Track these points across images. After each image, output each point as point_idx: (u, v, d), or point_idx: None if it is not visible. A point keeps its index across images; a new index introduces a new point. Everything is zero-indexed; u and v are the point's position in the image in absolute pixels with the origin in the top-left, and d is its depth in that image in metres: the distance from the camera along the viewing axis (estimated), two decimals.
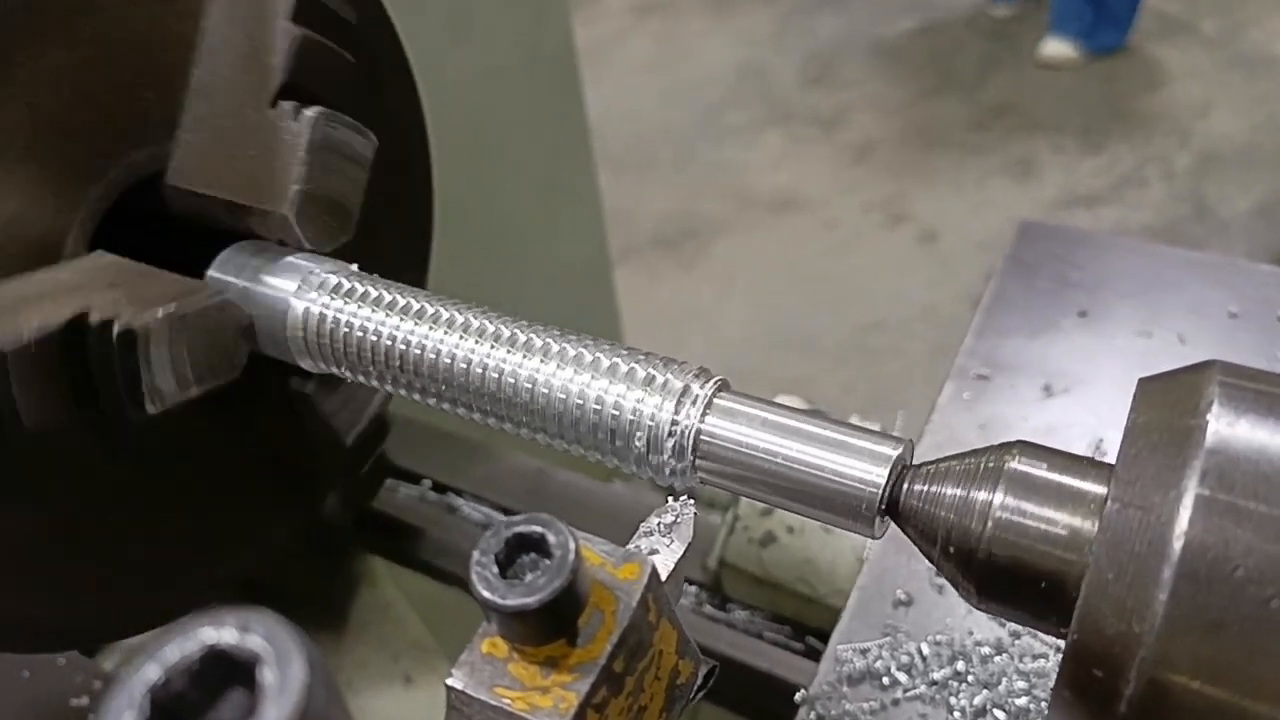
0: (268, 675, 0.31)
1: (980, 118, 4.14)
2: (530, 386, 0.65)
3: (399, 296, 0.71)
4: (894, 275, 3.58)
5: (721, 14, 4.95)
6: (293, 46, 0.75)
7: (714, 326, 3.44)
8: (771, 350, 3.35)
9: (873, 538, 0.58)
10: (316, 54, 0.77)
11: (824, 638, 1.16)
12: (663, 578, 0.56)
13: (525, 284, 2.15)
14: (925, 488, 0.56)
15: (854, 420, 1.26)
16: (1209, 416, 0.46)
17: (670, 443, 0.62)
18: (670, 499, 0.63)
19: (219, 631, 0.32)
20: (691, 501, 0.63)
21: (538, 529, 0.49)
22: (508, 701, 0.50)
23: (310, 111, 0.75)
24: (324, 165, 0.76)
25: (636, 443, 0.63)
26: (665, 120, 4.37)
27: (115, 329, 0.67)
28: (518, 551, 0.50)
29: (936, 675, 0.86)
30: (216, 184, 0.77)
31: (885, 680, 0.87)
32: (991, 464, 0.54)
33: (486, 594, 0.48)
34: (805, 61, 4.57)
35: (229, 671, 0.32)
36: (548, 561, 0.49)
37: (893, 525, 0.59)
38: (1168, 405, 0.48)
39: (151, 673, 0.32)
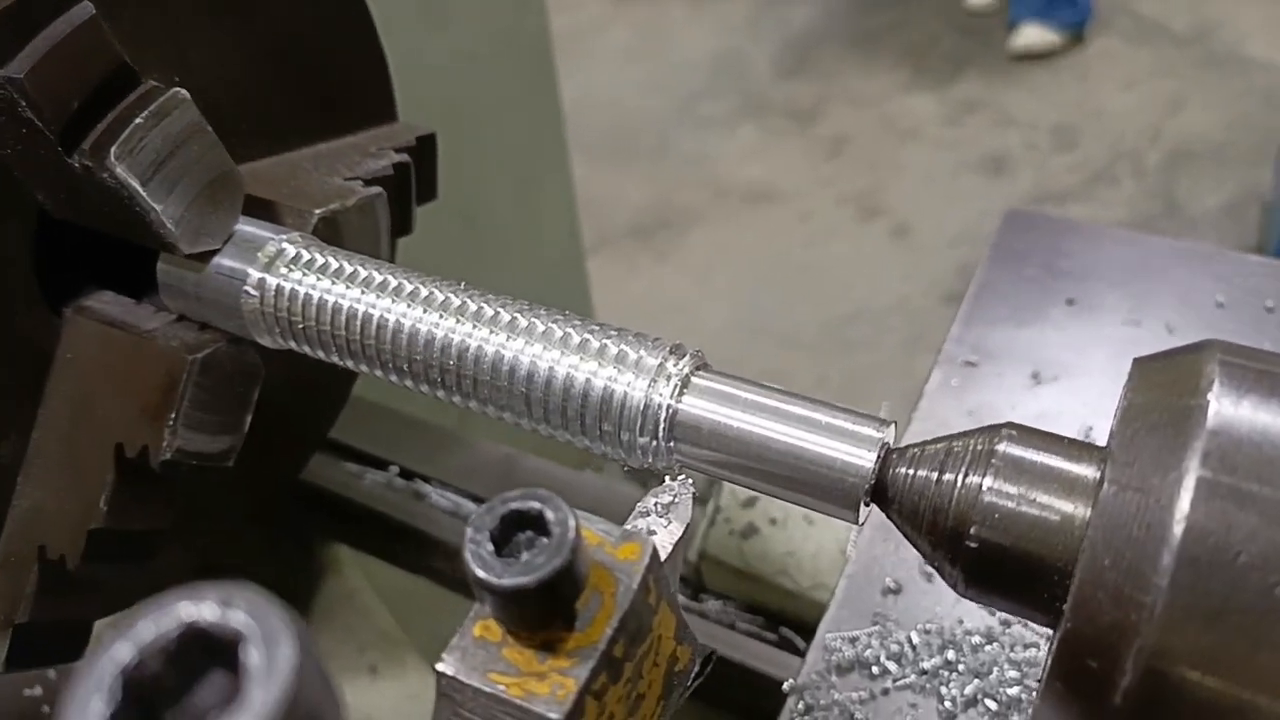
0: (253, 656, 0.28)
1: (953, 113, 4.14)
2: (498, 362, 0.62)
3: (361, 268, 0.68)
4: (868, 268, 3.58)
5: (699, 1, 4.92)
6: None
7: (689, 318, 3.42)
8: (746, 342, 3.34)
9: (855, 524, 0.56)
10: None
11: (801, 630, 1.15)
12: (661, 559, 0.54)
13: (497, 274, 2.12)
14: (911, 471, 0.53)
15: None
16: (1210, 396, 0.44)
17: (645, 423, 0.59)
18: (668, 478, 0.61)
19: (198, 607, 0.29)
20: (690, 481, 0.61)
21: (535, 505, 0.47)
22: (502, 688, 0.48)
23: None
24: None
25: (609, 422, 0.60)
26: (641, 110, 4.34)
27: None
28: (514, 529, 0.47)
29: (927, 664, 0.86)
30: None
31: (875, 669, 0.86)
32: (981, 446, 0.52)
33: (481, 573, 0.45)
34: (781, 52, 4.55)
35: (209, 651, 0.29)
36: (545, 540, 0.46)
37: (877, 511, 0.57)
38: (1166, 385, 0.46)
39: (123, 652, 0.29)
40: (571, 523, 0.46)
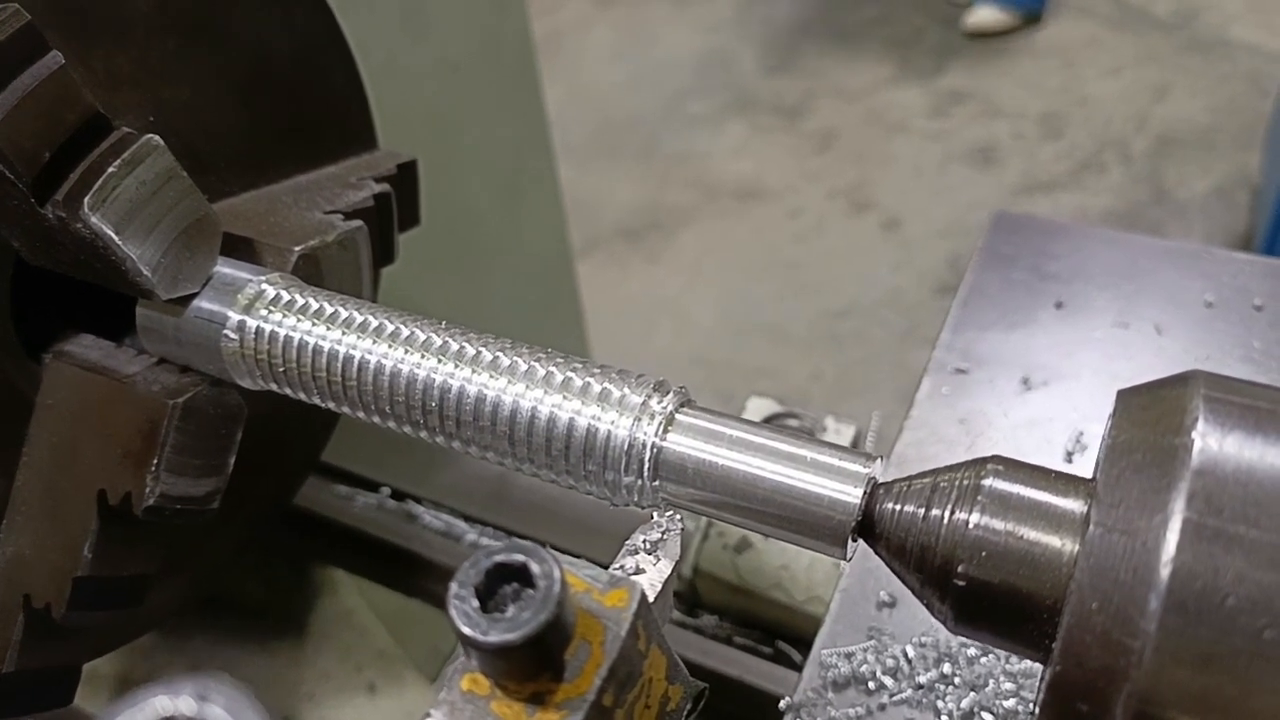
0: None
1: (940, 104, 4.14)
2: (480, 403, 0.62)
3: (341, 309, 0.67)
4: (858, 262, 3.58)
5: (683, 1, 4.90)
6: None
7: (681, 317, 3.42)
8: (739, 339, 3.33)
9: (844, 559, 0.56)
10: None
11: (797, 643, 1.15)
12: (650, 598, 0.54)
13: (486, 279, 2.11)
14: (898, 507, 0.53)
15: (829, 423, 1.25)
16: (1194, 435, 0.43)
17: (629, 462, 0.59)
18: (655, 515, 0.61)
19: (175, 701, 0.29)
20: (679, 516, 0.60)
21: (520, 558, 0.47)
22: None
23: None
24: None
25: (594, 462, 0.60)
26: (628, 110, 4.33)
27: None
28: (498, 582, 0.47)
29: (923, 678, 0.86)
30: None
31: (871, 685, 0.86)
32: (967, 481, 0.51)
33: (467, 630, 0.45)
34: (766, 49, 4.54)
35: None
36: (531, 592, 0.46)
37: None
38: (1150, 422, 0.46)
39: None
40: (557, 574, 0.46)
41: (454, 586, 0.46)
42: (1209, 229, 3.43)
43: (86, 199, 0.64)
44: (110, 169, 0.64)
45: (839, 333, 3.34)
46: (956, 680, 0.86)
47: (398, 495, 1.35)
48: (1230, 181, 3.58)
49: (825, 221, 3.74)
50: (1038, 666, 0.85)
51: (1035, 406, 1.04)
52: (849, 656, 0.88)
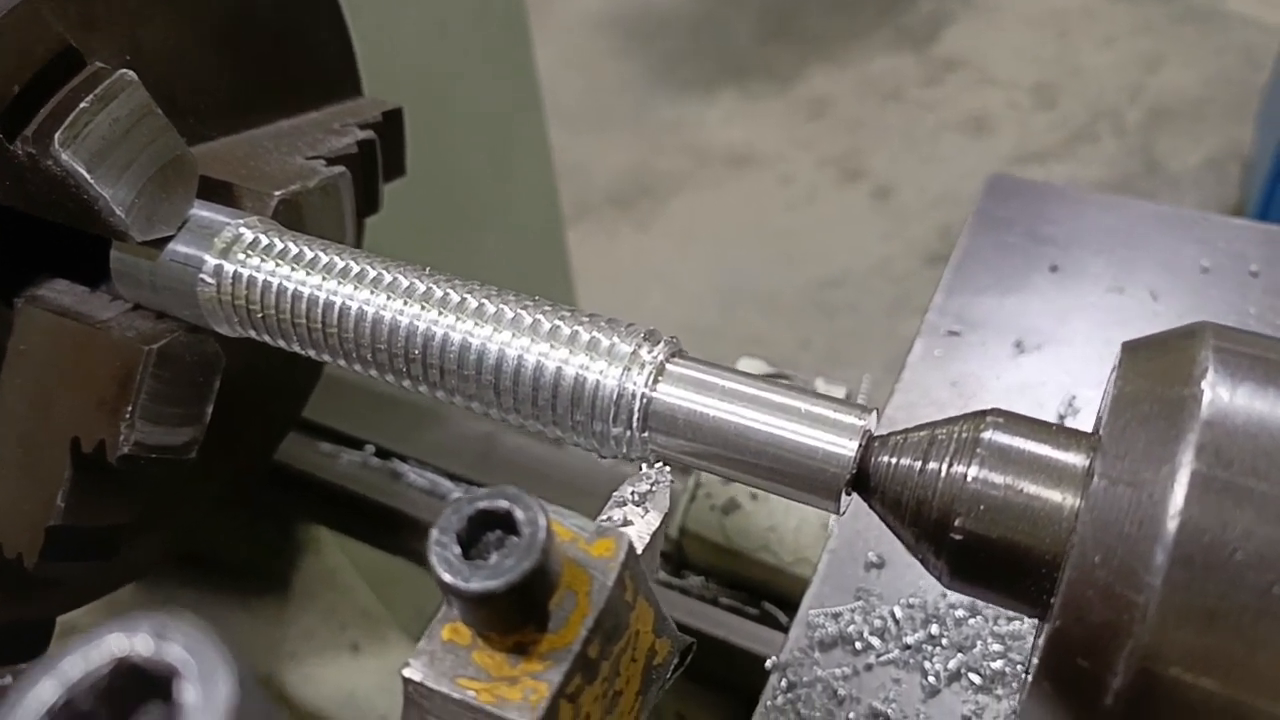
0: (188, 693, 0.26)
1: (934, 73, 4.11)
2: (465, 350, 0.60)
3: (322, 253, 0.65)
4: (849, 231, 3.56)
5: None
6: None
7: (671, 284, 3.40)
8: (729, 307, 3.32)
9: (836, 514, 0.55)
10: None
11: (784, 604, 1.14)
12: (638, 550, 0.52)
13: (475, 244, 2.09)
14: (894, 460, 0.52)
15: (819, 384, 1.23)
16: (1204, 385, 0.42)
17: (618, 412, 0.57)
18: (644, 466, 0.59)
19: (131, 640, 0.27)
20: (668, 469, 0.59)
21: (504, 504, 0.45)
22: (472, 694, 0.46)
23: None
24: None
25: (581, 412, 0.58)
26: (619, 75, 4.28)
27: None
28: (481, 529, 0.45)
29: (910, 639, 0.85)
30: None
31: (858, 645, 0.85)
32: (966, 434, 0.50)
33: (447, 577, 0.43)
34: (760, 14, 4.49)
35: (145, 684, 0.27)
36: (515, 539, 0.44)
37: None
38: (1157, 373, 0.44)
39: (47, 691, 0.27)
40: (542, 521, 0.45)
41: (435, 532, 0.44)
42: (1200, 201, 3.42)
43: (57, 135, 0.62)
44: (82, 104, 0.62)
45: (829, 302, 3.33)
46: (944, 641, 0.85)
47: (382, 453, 1.33)
48: (1222, 154, 3.57)
49: (816, 190, 3.72)
50: (1026, 629, 0.85)
51: (1028, 370, 1.03)
52: (836, 617, 0.87)
